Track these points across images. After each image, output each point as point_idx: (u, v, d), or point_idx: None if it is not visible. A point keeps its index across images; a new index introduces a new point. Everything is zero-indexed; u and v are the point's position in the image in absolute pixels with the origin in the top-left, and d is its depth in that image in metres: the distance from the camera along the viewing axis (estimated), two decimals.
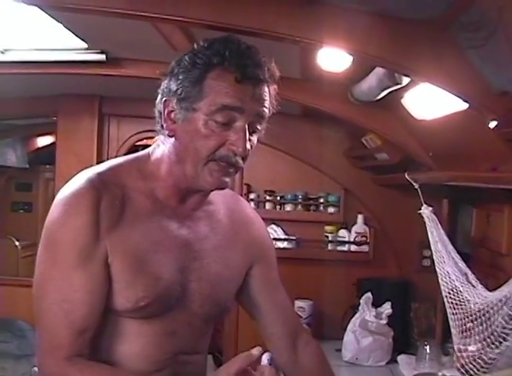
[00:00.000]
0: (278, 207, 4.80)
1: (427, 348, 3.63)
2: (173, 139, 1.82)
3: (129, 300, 1.77)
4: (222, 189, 1.85)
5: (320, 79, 3.23)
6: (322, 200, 4.76)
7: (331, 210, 4.74)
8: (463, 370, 2.57)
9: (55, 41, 3.28)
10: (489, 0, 1.72)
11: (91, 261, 1.73)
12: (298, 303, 4.48)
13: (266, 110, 1.80)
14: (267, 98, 1.80)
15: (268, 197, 4.80)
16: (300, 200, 4.77)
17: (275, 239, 4.66)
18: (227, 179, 1.81)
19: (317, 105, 3.55)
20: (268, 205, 4.77)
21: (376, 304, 4.05)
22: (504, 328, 2.32)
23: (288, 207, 4.79)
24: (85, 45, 3.29)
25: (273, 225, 4.72)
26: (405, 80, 2.53)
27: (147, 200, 1.84)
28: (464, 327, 2.61)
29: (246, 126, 1.75)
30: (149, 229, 1.82)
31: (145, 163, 1.89)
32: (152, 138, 4.84)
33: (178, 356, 1.89)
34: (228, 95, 1.72)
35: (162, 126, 1.83)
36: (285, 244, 4.70)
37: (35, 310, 1.77)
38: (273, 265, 2.18)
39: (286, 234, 4.75)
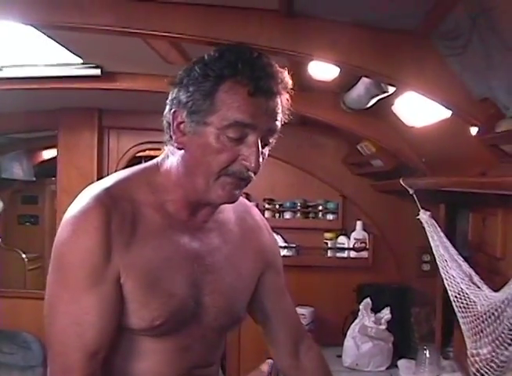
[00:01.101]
0: (277, 215, 4.85)
1: (427, 352, 3.64)
2: (182, 151, 1.75)
3: (144, 319, 1.72)
4: (232, 202, 1.80)
5: (312, 88, 3.27)
6: (320, 208, 4.80)
7: (330, 217, 4.78)
8: (478, 375, 2.56)
9: (50, 57, 3.33)
10: (463, 9, 1.74)
11: (102, 282, 1.67)
12: (299, 310, 4.42)
13: (278, 124, 1.74)
14: (279, 111, 1.73)
15: (267, 206, 4.83)
16: (299, 208, 4.81)
17: None
18: (237, 193, 1.76)
19: (311, 114, 3.58)
20: (267, 213, 4.79)
21: (377, 309, 4.07)
22: (510, 330, 2.32)
23: (287, 215, 4.83)
24: (80, 60, 3.33)
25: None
26: (392, 88, 2.56)
27: (157, 214, 1.78)
28: (475, 329, 2.60)
29: (259, 141, 1.68)
30: (161, 245, 1.76)
31: (154, 175, 1.82)
32: (153, 149, 4.94)
33: (192, 370, 1.85)
34: (240, 110, 1.65)
35: (171, 137, 1.76)
36: (285, 252, 4.72)
37: (46, 333, 1.71)
38: (281, 272, 2.15)
39: (286, 242, 4.78)
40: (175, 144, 1.74)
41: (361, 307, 4.06)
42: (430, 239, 3.01)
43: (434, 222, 3.04)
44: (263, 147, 1.72)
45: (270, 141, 1.75)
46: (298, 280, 4.65)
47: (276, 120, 1.72)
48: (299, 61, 2.67)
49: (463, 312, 2.69)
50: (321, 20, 2.06)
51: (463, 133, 2.40)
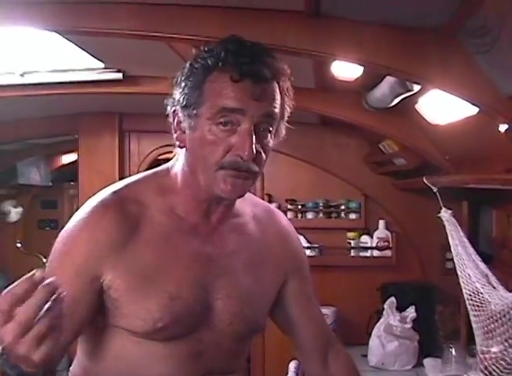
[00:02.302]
0: (299, 215, 4.86)
1: (453, 350, 3.63)
2: (185, 150, 1.73)
3: (146, 322, 1.68)
4: (238, 196, 1.74)
5: (334, 88, 3.27)
6: (343, 207, 4.80)
7: (352, 216, 4.78)
8: (486, 372, 2.57)
9: (72, 62, 3.35)
10: (491, 6, 1.74)
11: (80, 278, 1.65)
12: (322, 310, 4.48)
13: (274, 110, 1.66)
14: (274, 96, 1.67)
15: (289, 206, 4.83)
16: (321, 208, 4.82)
17: None
18: (242, 186, 1.68)
19: (333, 113, 3.58)
20: (289, 214, 4.80)
21: (401, 308, 4.06)
22: None
23: (309, 216, 4.84)
24: (102, 65, 3.35)
25: None
26: (417, 86, 2.56)
27: (165, 216, 1.75)
28: (487, 328, 2.60)
29: (252, 128, 1.62)
30: (166, 248, 1.74)
31: (164, 178, 1.81)
32: (167, 152, 4.95)
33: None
34: (226, 96, 1.61)
35: (176, 138, 1.75)
36: (308, 252, 4.70)
37: None
38: (307, 279, 2.06)
39: (309, 242, 4.77)
40: (177, 142, 1.73)
41: (385, 306, 4.05)
42: (449, 237, 3.01)
43: (454, 220, 3.03)
44: (262, 136, 1.66)
45: (269, 130, 1.68)
46: (321, 280, 4.64)
47: (272, 105, 1.66)
48: (322, 61, 2.68)
49: (476, 310, 2.70)
50: (347, 20, 2.05)
51: (489, 130, 2.40)
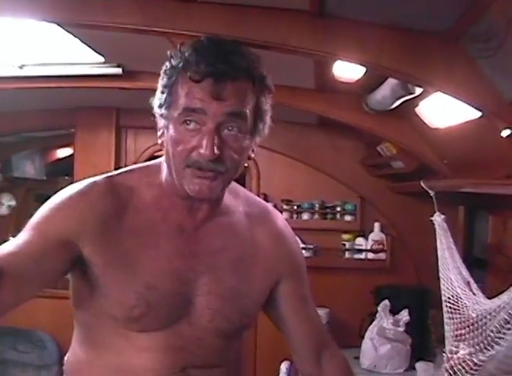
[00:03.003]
0: (295, 216, 4.86)
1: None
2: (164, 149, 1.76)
3: (124, 307, 1.71)
4: (205, 196, 1.72)
5: (334, 89, 3.26)
6: (338, 209, 4.79)
7: (348, 218, 4.77)
8: (451, 372, 2.58)
9: (72, 56, 3.33)
10: (498, 12, 1.73)
11: (58, 232, 1.66)
12: None
13: (242, 109, 1.66)
14: (241, 95, 1.66)
15: (284, 206, 4.82)
16: (317, 209, 4.81)
17: None
18: (209, 186, 1.68)
19: (332, 115, 3.57)
20: (285, 214, 4.76)
21: (394, 311, 4.05)
22: (499, 332, 2.31)
23: (305, 216, 4.84)
24: (102, 59, 3.33)
25: None
26: (419, 89, 2.55)
27: (153, 209, 1.79)
28: (459, 331, 2.62)
29: (215, 128, 1.62)
30: (148, 238, 1.76)
31: (155, 172, 1.84)
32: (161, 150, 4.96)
33: (188, 370, 1.81)
34: (187, 96, 1.63)
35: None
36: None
37: None
38: (303, 282, 2.03)
39: (304, 243, 4.74)
40: (159, 141, 1.76)
41: (379, 309, 4.04)
42: (438, 241, 3.04)
43: (445, 225, 3.05)
44: (232, 135, 1.65)
45: (236, 129, 1.65)
46: (315, 282, 4.55)
47: (238, 104, 1.64)
48: (323, 61, 2.67)
49: (452, 313, 2.73)
50: (351, 21, 2.05)
51: (490, 135, 2.39)
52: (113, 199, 1.73)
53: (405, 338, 4.02)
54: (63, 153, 7.10)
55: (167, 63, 1.70)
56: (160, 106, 1.70)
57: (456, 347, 2.59)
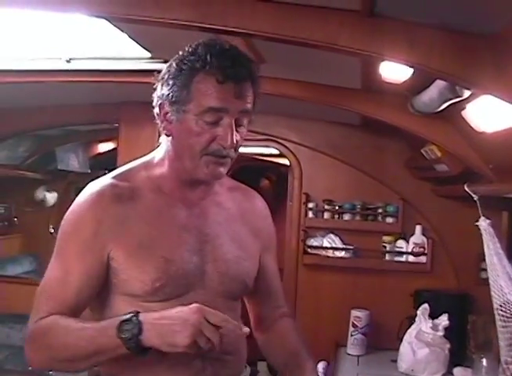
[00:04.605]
0: (336, 216, 4.82)
1: (484, 361, 3.59)
2: (171, 138, 2.05)
3: (146, 283, 1.97)
4: (218, 178, 2.08)
5: (381, 89, 3.24)
6: (380, 210, 4.76)
7: (389, 220, 4.74)
8: None
9: (119, 50, 3.35)
10: None
11: (89, 251, 1.98)
12: (354, 313, 4.48)
13: (249, 106, 2.00)
14: (249, 94, 1.99)
15: (326, 206, 4.81)
16: (358, 210, 4.78)
17: (332, 248, 4.69)
18: (222, 169, 2.03)
19: (377, 115, 3.54)
20: (326, 214, 4.80)
21: (433, 315, 4.02)
22: None
23: (346, 217, 4.80)
24: (149, 55, 3.34)
25: (331, 235, 4.74)
26: (467, 92, 2.52)
27: (155, 195, 2.08)
28: None
29: (233, 122, 1.97)
30: (157, 221, 2.05)
31: (151, 163, 2.14)
32: None
33: None
34: (212, 97, 1.94)
35: (161, 126, 2.07)
36: (342, 254, 4.71)
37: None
38: (275, 257, 2.41)
39: (344, 243, 4.75)
40: (164, 131, 2.06)
41: (418, 312, 4.02)
42: (485, 247, 3.00)
43: (492, 230, 3.01)
44: (238, 127, 2.00)
45: (244, 122, 2.03)
46: (355, 283, 4.65)
47: (247, 102, 1.99)
48: (371, 62, 2.65)
49: (504, 321, 2.75)
50: (400, 21, 2.03)
51: None
52: (120, 199, 2.02)
53: (444, 343, 3.99)
54: (104, 147, 7.16)
55: (181, 64, 2.00)
56: (175, 102, 1.98)
57: (510, 357, 2.55)
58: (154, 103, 2.07)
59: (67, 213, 2.06)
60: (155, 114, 2.08)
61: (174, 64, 2.03)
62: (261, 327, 2.40)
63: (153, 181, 2.11)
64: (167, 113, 2.02)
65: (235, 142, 1.98)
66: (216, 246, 2.12)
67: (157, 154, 2.15)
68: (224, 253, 2.13)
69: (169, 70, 2.03)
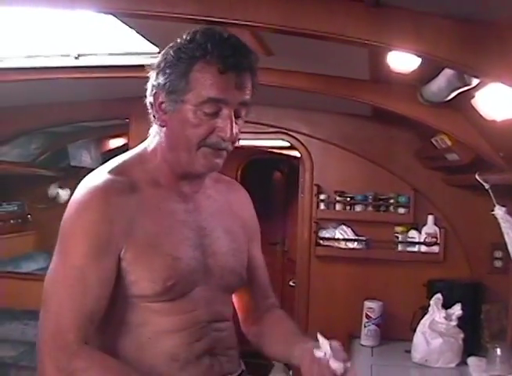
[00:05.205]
0: (348, 207, 4.81)
1: (498, 350, 3.58)
2: (165, 129, 1.97)
3: (157, 283, 1.88)
4: (215, 170, 2.03)
5: (389, 80, 3.23)
6: (392, 201, 4.75)
7: (401, 210, 4.73)
8: None
9: (127, 46, 3.35)
10: None
11: (104, 252, 1.84)
12: (368, 304, 4.48)
13: (248, 98, 1.93)
14: (249, 85, 1.92)
15: (338, 198, 4.80)
16: (370, 201, 4.77)
17: (345, 240, 4.68)
18: (219, 161, 1.96)
19: (386, 106, 3.54)
20: (338, 206, 4.79)
21: (447, 305, 4.02)
22: None
23: (358, 208, 4.79)
24: (157, 50, 3.34)
25: (343, 226, 4.74)
26: (475, 80, 2.51)
27: (152, 188, 1.98)
28: None
29: (232, 113, 1.90)
30: (159, 216, 1.97)
31: (144, 155, 2.05)
32: None
33: (211, 324, 2.02)
34: (212, 87, 1.86)
35: (154, 117, 1.99)
36: (355, 245, 4.71)
37: (44, 297, 1.83)
38: (260, 246, 2.35)
39: (356, 235, 4.75)
40: (158, 122, 1.98)
41: (431, 302, 4.02)
42: (505, 235, 2.97)
43: (509, 217, 2.99)
44: (237, 119, 1.93)
45: (243, 114, 1.95)
46: (368, 274, 4.66)
47: (247, 94, 1.92)
48: (378, 52, 2.65)
49: None
50: (406, 11, 2.02)
51: None
52: (123, 196, 1.91)
53: (458, 333, 3.98)
54: (115, 143, 7.18)
55: (179, 52, 1.91)
56: (172, 92, 1.90)
57: None
58: (148, 93, 2.00)
59: (71, 213, 1.91)
60: (147, 104, 2.01)
61: (171, 52, 1.94)
62: (251, 319, 2.33)
63: (149, 174, 2.00)
64: (162, 102, 1.94)
65: (234, 134, 1.92)
66: (214, 239, 2.07)
67: (149, 146, 2.07)
68: (220, 247, 2.08)
69: (165, 58, 1.95)
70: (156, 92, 1.95)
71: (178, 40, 1.95)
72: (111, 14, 2.50)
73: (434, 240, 4.59)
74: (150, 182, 1.99)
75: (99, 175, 1.94)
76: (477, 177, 3.27)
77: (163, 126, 1.97)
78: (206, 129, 1.89)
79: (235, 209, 2.23)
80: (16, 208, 7.23)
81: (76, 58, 3.53)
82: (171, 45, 1.97)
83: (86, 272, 1.81)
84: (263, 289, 2.34)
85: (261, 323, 2.28)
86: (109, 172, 1.95)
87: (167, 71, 1.91)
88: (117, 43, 3.33)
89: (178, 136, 1.94)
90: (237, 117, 1.93)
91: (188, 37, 1.93)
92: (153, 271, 1.89)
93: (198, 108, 1.88)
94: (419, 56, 2.32)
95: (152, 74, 1.99)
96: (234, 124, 1.91)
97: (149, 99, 1.99)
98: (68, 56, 3.51)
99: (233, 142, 1.95)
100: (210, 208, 2.11)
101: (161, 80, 1.93)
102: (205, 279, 2.01)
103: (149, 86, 2.00)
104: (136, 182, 1.95)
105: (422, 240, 4.63)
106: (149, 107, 2.01)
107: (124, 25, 2.77)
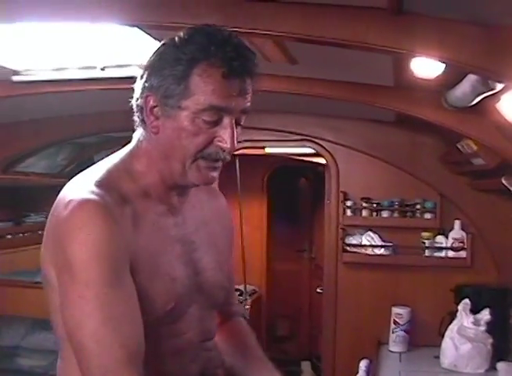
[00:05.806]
0: (374, 214, 4.83)
1: None
2: (156, 136, 1.73)
3: (156, 307, 1.70)
4: (210, 184, 1.84)
5: (413, 86, 3.23)
6: (418, 207, 4.75)
7: (428, 216, 4.73)
8: None
9: None
10: None
11: (124, 271, 1.63)
12: (396, 310, 4.48)
13: (249, 104, 1.72)
14: (250, 91, 1.71)
15: (364, 204, 4.82)
16: (396, 207, 4.78)
17: (371, 246, 4.69)
18: (215, 174, 1.76)
19: (411, 112, 3.54)
20: (364, 212, 4.80)
21: (475, 310, 4.01)
22: None
23: (384, 214, 4.81)
24: None
25: (370, 232, 4.75)
26: (499, 85, 2.52)
27: (143, 201, 1.76)
28: None
29: (234, 122, 1.69)
30: (152, 232, 1.76)
31: (131, 162, 1.80)
32: (253, 148, 5.02)
33: (202, 344, 1.88)
34: (215, 93, 1.65)
35: (143, 121, 1.75)
36: (382, 251, 4.71)
37: (74, 339, 1.59)
38: (233, 249, 2.19)
39: (383, 241, 4.76)
40: (150, 128, 1.73)
41: (460, 308, 4.01)
42: None
43: None
44: (236, 127, 1.71)
45: (242, 121, 1.74)
46: (395, 280, 4.65)
47: (248, 101, 1.71)
48: (402, 59, 2.66)
49: None
50: (430, 18, 2.04)
51: None
52: (118, 211, 1.66)
53: (486, 338, 3.97)
54: None
55: (178, 51, 1.67)
56: (169, 96, 1.67)
57: None
58: (137, 94, 1.75)
59: (71, 235, 1.61)
60: (134, 106, 1.77)
61: (168, 52, 1.70)
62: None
63: (138, 185, 1.77)
64: (154, 107, 1.70)
65: (236, 144, 1.70)
66: (202, 254, 1.88)
67: (137, 152, 1.82)
68: (209, 262, 1.90)
69: (160, 58, 1.71)
70: (147, 95, 1.71)
71: (176, 39, 1.70)
72: (135, 26, 2.54)
73: (461, 245, 4.59)
74: (140, 193, 1.77)
75: (87, 188, 1.67)
76: (503, 181, 3.26)
77: (155, 133, 1.73)
78: (204, 139, 1.69)
79: (217, 218, 2.03)
80: (43, 219, 7.26)
81: (102, 70, 3.56)
82: (165, 42, 1.73)
83: (116, 299, 1.59)
84: (229, 295, 2.15)
85: (222, 330, 2.12)
86: (98, 184, 1.69)
87: (163, 73, 1.67)
88: (142, 55, 3.36)
89: (172, 145, 1.72)
90: (237, 124, 1.72)
91: (186, 37, 1.69)
92: (155, 294, 1.70)
93: (197, 115, 1.66)
94: (442, 62, 2.33)
95: (142, 74, 1.74)
96: (235, 133, 1.70)
97: (139, 101, 1.75)
98: (94, 68, 3.55)
99: (231, 153, 1.74)
100: (195, 220, 1.92)
101: (155, 82, 1.69)
102: (196, 297, 1.84)
103: (137, 87, 1.75)
104: (126, 193, 1.73)
105: (449, 246, 4.62)
106: (135, 110, 1.78)
107: (149, 36, 2.80)
